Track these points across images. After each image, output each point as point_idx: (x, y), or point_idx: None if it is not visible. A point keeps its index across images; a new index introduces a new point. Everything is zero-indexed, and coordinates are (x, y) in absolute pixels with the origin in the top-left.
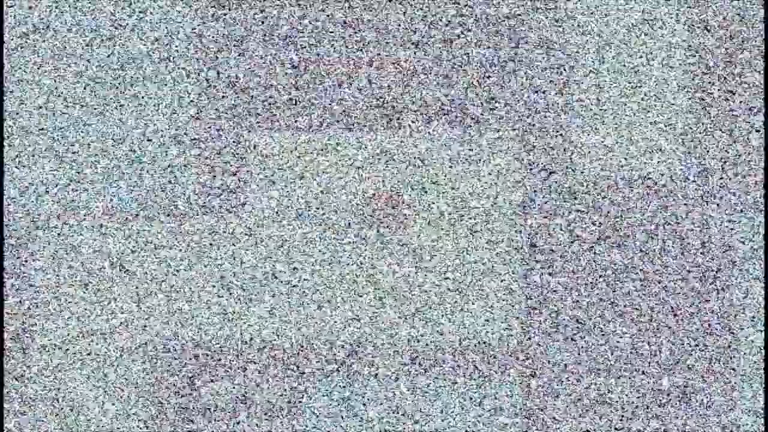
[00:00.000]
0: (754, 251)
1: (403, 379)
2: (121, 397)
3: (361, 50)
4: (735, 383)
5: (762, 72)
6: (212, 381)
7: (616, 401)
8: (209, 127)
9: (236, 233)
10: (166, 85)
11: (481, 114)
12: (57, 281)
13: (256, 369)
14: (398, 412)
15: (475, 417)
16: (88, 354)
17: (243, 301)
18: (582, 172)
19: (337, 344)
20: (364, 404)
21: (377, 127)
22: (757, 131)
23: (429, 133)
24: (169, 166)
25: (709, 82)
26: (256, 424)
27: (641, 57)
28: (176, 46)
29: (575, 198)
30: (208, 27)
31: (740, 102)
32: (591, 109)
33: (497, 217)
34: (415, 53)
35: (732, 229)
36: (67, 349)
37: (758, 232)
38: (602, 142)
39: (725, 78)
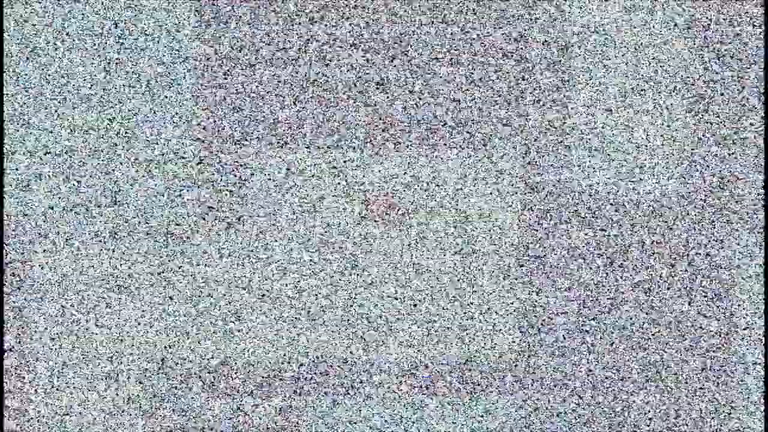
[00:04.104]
0: (754, 269)
1: (401, 395)
2: (118, 415)
3: (364, 69)
4: (734, 402)
5: (762, 89)
6: (209, 399)
7: (616, 416)
8: (211, 144)
9: (235, 250)
10: (168, 102)
11: (483, 134)
12: (55, 298)
13: (253, 386)
14: (397, 429)
15: None
16: (86, 368)
17: (241, 318)
18: (582, 191)
19: (334, 361)
20: (362, 421)
21: (379, 146)
22: (757, 147)
23: (431, 152)
24: (169, 183)
25: (710, 101)
26: None
27: (642, 77)
28: (178, 65)
29: (576, 216)
30: (211, 45)
31: (740, 120)
32: (592, 129)
33: (498, 234)
34: (418, 73)
35: (732, 246)
36: (65, 365)
37: (759, 250)
38: (603, 161)
39: (725, 96)
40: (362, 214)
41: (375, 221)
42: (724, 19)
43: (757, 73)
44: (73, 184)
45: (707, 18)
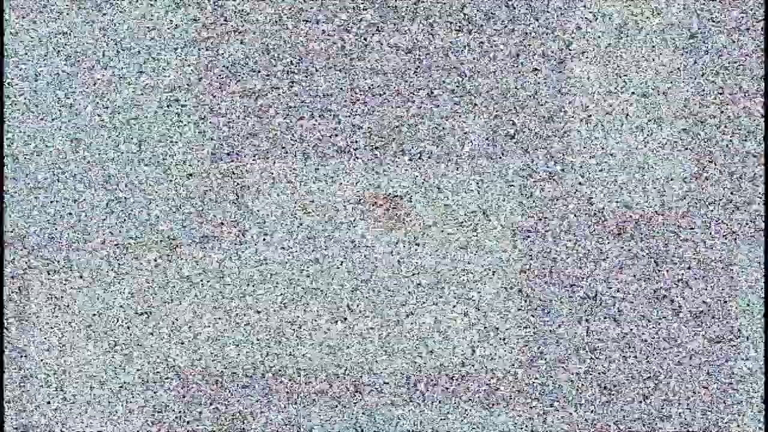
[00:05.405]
0: (754, 280)
1: (404, 406)
2: (120, 422)
3: (360, 79)
4: (736, 414)
5: (762, 102)
6: (215, 408)
7: (618, 424)
8: (208, 157)
9: (236, 261)
10: (164, 116)
11: (483, 143)
12: (55, 309)
13: (256, 395)
14: None
15: None
16: (87, 375)
17: (240, 327)
18: (583, 202)
19: (337, 371)
20: (359, 431)
21: (375, 157)
22: (756, 157)
23: (428, 162)
24: (167, 196)
25: (711, 113)
26: None
27: (643, 88)
28: (174, 77)
29: (577, 225)
30: (206, 57)
31: (740, 130)
32: (593, 139)
33: (499, 243)
34: (414, 82)
35: (732, 258)
36: (65, 371)
37: (759, 261)
38: (604, 171)
39: (726, 107)
40: (364, 220)
41: (377, 228)
42: (724, 25)
43: (758, 76)
44: (75, 193)
45: (707, 23)
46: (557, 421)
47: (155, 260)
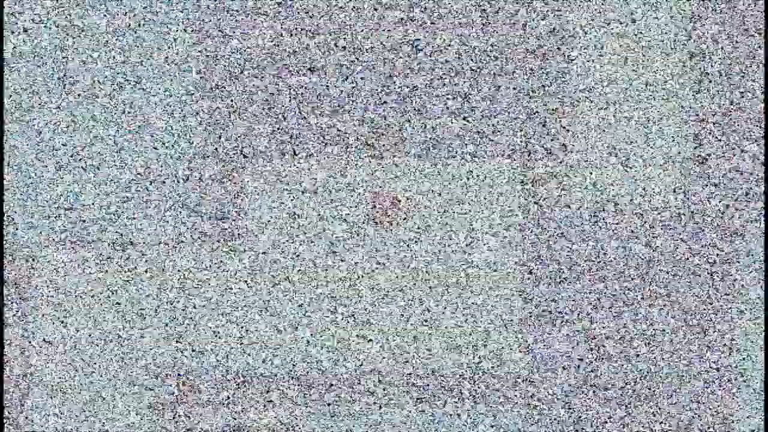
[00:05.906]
0: (753, 278)
1: (402, 407)
2: (122, 423)
3: (359, 78)
4: (736, 412)
5: (762, 95)
6: (215, 408)
7: (619, 429)
8: (207, 155)
9: (236, 263)
10: (165, 113)
11: (485, 144)
12: (55, 310)
13: (249, 397)
14: None
15: None
16: (87, 374)
17: (241, 328)
18: (584, 201)
19: (337, 371)
20: None
21: (374, 156)
22: (756, 157)
23: (427, 161)
24: (167, 196)
25: (709, 110)
26: None
27: (640, 86)
28: (175, 78)
29: (578, 226)
30: (207, 57)
31: (739, 129)
32: (589, 137)
33: (496, 243)
34: (414, 82)
35: (731, 256)
36: (65, 371)
37: (758, 258)
38: (604, 171)
39: (725, 104)
40: (363, 220)
41: (376, 227)
42: (723, 24)
43: (758, 76)
44: (76, 193)
45: (707, 23)
46: (557, 421)
47: (154, 260)
